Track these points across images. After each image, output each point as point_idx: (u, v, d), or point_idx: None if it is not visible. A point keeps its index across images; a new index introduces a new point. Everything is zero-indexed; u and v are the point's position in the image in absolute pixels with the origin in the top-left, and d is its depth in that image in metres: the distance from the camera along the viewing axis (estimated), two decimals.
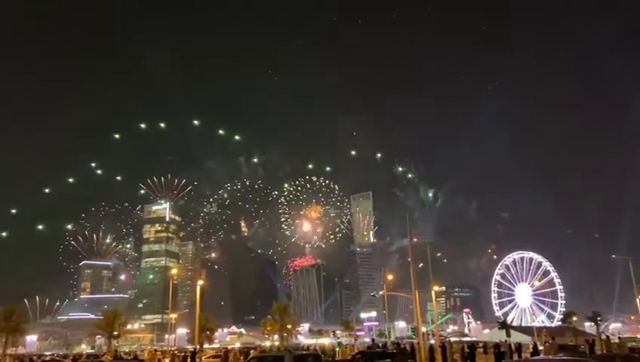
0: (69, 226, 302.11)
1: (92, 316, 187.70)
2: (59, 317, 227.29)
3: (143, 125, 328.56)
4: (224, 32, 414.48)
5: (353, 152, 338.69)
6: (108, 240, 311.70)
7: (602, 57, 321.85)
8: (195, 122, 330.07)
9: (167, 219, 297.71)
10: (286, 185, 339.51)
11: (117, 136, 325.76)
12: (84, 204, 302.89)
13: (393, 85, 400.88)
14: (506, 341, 57.11)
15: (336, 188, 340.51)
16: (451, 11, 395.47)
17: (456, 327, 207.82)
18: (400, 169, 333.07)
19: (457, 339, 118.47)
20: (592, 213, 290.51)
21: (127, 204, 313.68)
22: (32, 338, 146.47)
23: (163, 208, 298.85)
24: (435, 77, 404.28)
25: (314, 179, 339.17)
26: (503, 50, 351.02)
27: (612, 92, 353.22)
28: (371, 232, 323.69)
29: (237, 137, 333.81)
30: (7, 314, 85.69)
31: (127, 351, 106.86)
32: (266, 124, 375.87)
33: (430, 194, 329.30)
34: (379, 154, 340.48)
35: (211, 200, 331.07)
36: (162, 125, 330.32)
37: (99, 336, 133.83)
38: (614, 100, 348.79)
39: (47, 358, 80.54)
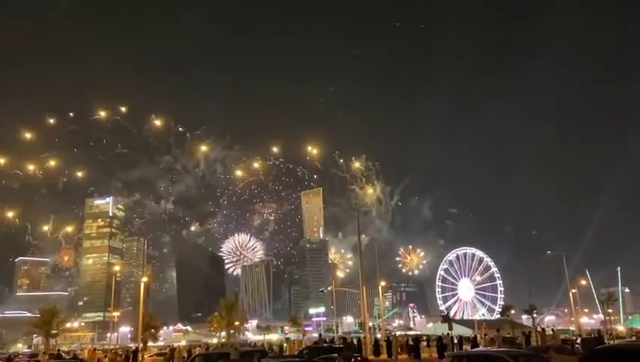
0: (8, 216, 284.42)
1: (29, 314, 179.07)
2: None
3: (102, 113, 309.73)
4: None
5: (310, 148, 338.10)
6: (47, 233, 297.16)
7: None
8: (153, 115, 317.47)
9: (111, 213, 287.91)
10: (240, 183, 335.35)
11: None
12: (25, 194, 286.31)
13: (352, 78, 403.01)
14: (448, 334, 58.82)
15: (288, 183, 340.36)
16: None
17: (402, 321, 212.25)
18: (357, 165, 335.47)
19: (402, 333, 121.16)
20: (533, 211, 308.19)
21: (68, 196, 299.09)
22: None
23: (106, 203, 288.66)
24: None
25: (268, 175, 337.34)
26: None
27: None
28: (321, 228, 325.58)
29: (197, 132, 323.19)
30: None
31: (66, 350, 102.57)
32: (224, 120, 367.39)
33: (381, 192, 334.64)
34: (337, 151, 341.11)
35: (163, 196, 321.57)
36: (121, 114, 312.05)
37: (36, 335, 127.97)
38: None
39: None
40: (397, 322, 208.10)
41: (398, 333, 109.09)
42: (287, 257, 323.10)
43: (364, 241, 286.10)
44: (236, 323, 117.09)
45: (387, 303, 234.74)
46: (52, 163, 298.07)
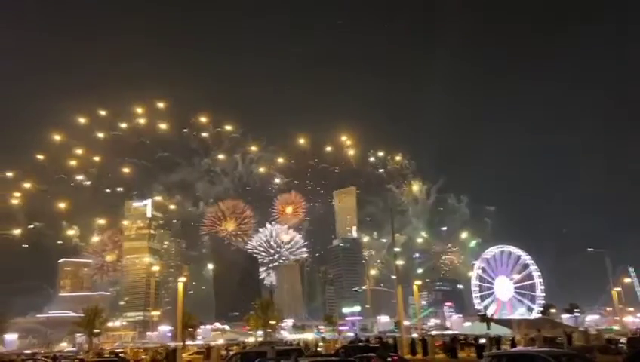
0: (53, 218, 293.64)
1: (73, 314, 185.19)
2: (38, 316, 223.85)
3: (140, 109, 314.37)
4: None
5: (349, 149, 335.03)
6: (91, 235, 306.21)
7: None
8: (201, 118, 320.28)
9: (149, 215, 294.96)
10: (277, 181, 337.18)
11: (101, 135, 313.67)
12: (69, 197, 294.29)
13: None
14: (486, 333, 58.01)
15: (321, 182, 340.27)
16: None
17: (437, 321, 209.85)
18: (394, 164, 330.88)
19: (439, 333, 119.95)
20: (574, 207, 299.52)
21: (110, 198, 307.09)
22: (11, 336, 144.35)
23: (144, 205, 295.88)
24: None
25: (302, 175, 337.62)
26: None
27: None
28: (354, 227, 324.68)
29: (235, 134, 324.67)
30: None
31: (108, 348, 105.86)
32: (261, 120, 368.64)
33: (422, 190, 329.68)
34: (371, 150, 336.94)
35: (201, 197, 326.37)
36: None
37: (79, 334, 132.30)
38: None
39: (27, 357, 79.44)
40: (432, 321, 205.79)
41: (434, 333, 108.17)
42: (320, 256, 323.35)
43: (401, 240, 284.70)
44: (272, 322, 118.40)
45: (423, 302, 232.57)
46: (96, 166, 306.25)
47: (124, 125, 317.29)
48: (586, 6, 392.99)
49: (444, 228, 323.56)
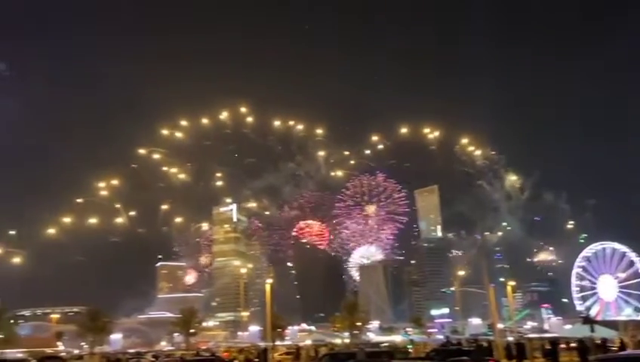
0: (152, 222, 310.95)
1: (170, 314, 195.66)
2: (139, 316, 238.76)
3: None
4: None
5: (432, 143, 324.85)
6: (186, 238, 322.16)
7: None
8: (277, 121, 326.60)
9: (235, 219, 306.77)
10: (356, 184, 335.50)
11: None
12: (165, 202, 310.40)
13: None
14: (590, 336, 53.75)
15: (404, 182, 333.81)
16: None
17: (534, 323, 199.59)
18: (484, 159, 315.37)
19: (537, 336, 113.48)
20: None
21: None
22: (116, 336, 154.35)
23: (230, 209, 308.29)
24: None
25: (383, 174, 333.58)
26: None
27: None
28: (439, 227, 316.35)
29: (319, 138, 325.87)
30: (93, 314, 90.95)
31: (204, 348, 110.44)
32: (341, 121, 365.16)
33: (516, 186, 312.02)
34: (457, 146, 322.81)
35: (287, 201, 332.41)
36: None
37: (177, 334, 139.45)
38: None
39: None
40: (529, 324, 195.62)
41: (531, 336, 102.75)
42: (404, 257, 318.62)
43: (493, 239, 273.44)
44: (358, 323, 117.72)
45: (518, 304, 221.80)
46: (188, 173, 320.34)
47: (211, 130, 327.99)
48: None
49: (541, 225, 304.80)
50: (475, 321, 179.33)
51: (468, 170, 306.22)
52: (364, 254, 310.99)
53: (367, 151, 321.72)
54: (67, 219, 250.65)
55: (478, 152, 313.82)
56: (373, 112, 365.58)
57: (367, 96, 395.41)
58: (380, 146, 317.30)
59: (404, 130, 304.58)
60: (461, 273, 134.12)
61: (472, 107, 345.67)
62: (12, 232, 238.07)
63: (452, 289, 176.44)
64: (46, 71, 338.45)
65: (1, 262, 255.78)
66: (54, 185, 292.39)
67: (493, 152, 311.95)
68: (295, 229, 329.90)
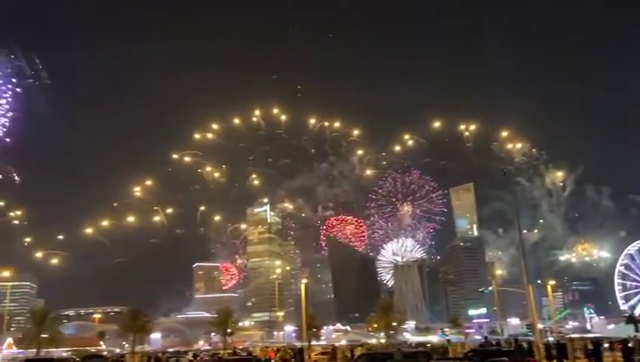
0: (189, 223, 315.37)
1: (207, 314, 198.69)
2: (177, 316, 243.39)
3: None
4: None
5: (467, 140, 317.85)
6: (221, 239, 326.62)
7: None
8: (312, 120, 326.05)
9: (269, 220, 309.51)
10: (389, 183, 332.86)
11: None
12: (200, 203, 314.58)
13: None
14: (634, 336, 51.87)
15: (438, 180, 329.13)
16: None
17: (576, 323, 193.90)
18: (523, 155, 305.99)
19: (579, 336, 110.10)
20: None
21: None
22: (156, 336, 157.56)
23: (264, 210, 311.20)
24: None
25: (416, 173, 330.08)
26: None
27: None
28: (475, 225, 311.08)
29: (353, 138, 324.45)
30: (134, 314, 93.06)
31: (240, 347, 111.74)
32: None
33: (557, 182, 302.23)
34: (495, 143, 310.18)
35: (320, 201, 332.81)
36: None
37: (214, 334, 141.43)
38: None
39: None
40: (570, 324, 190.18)
41: (573, 336, 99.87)
42: (440, 256, 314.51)
43: (533, 237, 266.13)
44: (393, 323, 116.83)
45: (558, 303, 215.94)
46: (223, 175, 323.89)
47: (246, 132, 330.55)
48: None
49: (582, 222, 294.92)
50: (514, 321, 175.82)
51: (506, 167, 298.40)
52: (398, 251, 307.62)
53: (402, 150, 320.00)
54: (107, 222, 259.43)
55: (518, 146, 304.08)
56: (407, 111, 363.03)
57: (401, 94, 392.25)
58: (413, 144, 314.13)
59: (438, 125, 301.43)
60: (499, 272, 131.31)
61: (511, 103, 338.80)
62: (60, 237, 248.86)
63: (490, 288, 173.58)
64: (86, 78, 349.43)
65: (46, 264, 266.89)
66: (95, 189, 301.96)
67: (533, 149, 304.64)
68: (327, 225, 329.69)
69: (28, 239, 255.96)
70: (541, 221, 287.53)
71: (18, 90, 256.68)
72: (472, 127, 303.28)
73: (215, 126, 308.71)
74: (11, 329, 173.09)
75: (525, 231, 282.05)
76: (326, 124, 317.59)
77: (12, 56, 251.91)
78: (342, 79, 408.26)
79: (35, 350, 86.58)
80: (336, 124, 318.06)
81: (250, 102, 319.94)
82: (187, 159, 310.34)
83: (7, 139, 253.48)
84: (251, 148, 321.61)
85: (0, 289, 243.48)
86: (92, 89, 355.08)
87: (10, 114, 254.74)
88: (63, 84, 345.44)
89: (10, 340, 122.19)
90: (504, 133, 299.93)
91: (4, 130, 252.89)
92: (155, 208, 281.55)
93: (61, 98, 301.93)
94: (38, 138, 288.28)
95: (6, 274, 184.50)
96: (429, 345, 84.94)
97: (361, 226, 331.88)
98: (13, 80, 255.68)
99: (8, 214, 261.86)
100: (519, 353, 45.78)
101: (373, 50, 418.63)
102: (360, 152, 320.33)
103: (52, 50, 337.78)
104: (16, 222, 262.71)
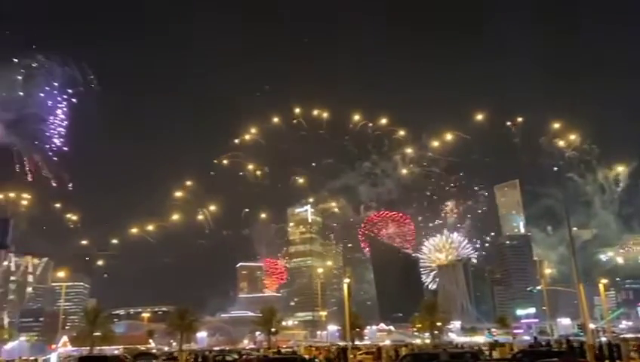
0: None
1: (251, 313, 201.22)
2: (222, 315, 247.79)
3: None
4: None
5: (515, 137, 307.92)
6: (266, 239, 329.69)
7: None
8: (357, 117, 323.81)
9: (310, 220, 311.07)
10: (432, 181, 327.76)
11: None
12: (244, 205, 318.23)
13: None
14: None
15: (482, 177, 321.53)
16: None
17: (630, 323, 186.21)
18: (573, 151, 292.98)
19: (633, 336, 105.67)
20: None
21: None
22: (202, 334, 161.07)
23: (304, 210, 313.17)
24: None
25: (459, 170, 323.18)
26: None
27: None
28: (521, 223, 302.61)
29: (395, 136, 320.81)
30: (181, 313, 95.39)
31: (284, 346, 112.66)
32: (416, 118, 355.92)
33: (610, 178, 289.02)
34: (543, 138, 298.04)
35: (362, 200, 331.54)
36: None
37: (258, 333, 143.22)
38: None
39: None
40: (624, 323, 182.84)
41: (627, 336, 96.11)
42: (485, 255, 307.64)
43: (585, 235, 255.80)
44: (438, 323, 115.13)
45: (611, 302, 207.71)
46: (265, 176, 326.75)
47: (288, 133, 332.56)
48: None
49: (637, 219, 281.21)
50: (565, 321, 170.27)
51: (556, 163, 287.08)
52: (442, 249, 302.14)
53: (445, 147, 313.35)
54: (155, 224, 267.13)
55: (571, 137, 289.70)
56: (451, 107, 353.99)
57: (445, 91, 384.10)
58: (457, 140, 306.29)
59: (481, 119, 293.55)
60: (548, 271, 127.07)
61: (561, 96, 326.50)
62: (114, 241, 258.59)
63: (538, 287, 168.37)
64: (131, 82, 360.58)
65: (97, 265, 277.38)
66: (142, 193, 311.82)
67: (585, 144, 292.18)
68: (368, 220, 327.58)
69: (84, 242, 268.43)
70: (594, 218, 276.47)
71: (73, 100, 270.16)
72: (520, 120, 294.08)
73: (256, 128, 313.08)
74: (66, 327, 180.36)
75: (576, 228, 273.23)
76: (370, 125, 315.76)
77: (66, 67, 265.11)
78: (383, 76, 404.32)
79: (88, 348, 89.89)
80: (384, 121, 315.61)
81: (293, 103, 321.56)
82: (230, 161, 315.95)
83: (65, 148, 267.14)
84: (294, 148, 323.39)
85: (55, 289, 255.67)
86: (137, 92, 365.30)
87: (65, 123, 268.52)
88: (109, 90, 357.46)
89: (65, 338, 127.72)
90: (556, 125, 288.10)
91: (62, 140, 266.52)
92: (201, 209, 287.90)
93: (108, 104, 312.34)
94: (89, 144, 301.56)
95: (61, 274, 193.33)
96: (462, 345, 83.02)
97: (405, 222, 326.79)
98: (69, 90, 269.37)
99: (64, 218, 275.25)
100: (571, 354, 44.15)
101: (418, 47, 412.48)
102: (404, 150, 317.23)
103: (98, 57, 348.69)
104: (70, 225, 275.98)
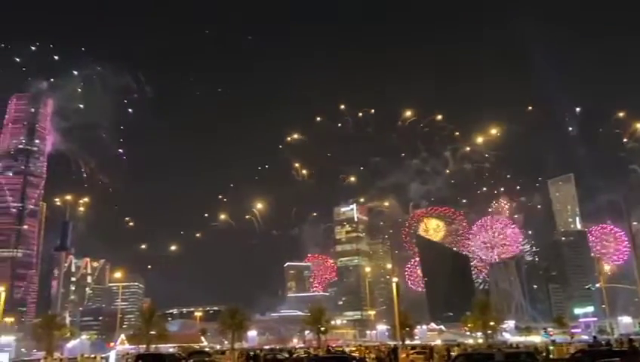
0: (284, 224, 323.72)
1: (299, 313, 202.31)
2: (272, 314, 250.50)
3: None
4: None
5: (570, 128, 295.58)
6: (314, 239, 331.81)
7: None
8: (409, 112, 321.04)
9: (356, 219, 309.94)
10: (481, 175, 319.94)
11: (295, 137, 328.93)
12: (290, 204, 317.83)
13: None
14: None
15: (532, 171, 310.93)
16: None
17: None
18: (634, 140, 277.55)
19: None
20: None
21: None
22: (252, 333, 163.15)
23: (350, 209, 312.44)
24: None
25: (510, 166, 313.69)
26: None
27: None
28: (577, 218, 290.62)
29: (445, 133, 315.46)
30: (232, 312, 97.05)
31: (334, 346, 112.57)
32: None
33: None
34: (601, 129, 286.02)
35: (412, 198, 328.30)
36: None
37: (307, 332, 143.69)
38: None
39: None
40: None
41: None
42: (539, 252, 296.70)
43: None
44: (491, 323, 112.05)
45: None
46: (311, 177, 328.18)
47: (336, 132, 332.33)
48: None
49: None
50: (626, 320, 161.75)
51: (617, 154, 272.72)
52: (495, 246, 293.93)
53: (496, 141, 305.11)
54: (207, 226, 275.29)
55: (637, 126, 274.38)
56: (502, 100, 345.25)
57: (496, 84, 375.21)
58: (507, 134, 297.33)
59: (531, 111, 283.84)
60: (607, 268, 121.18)
61: (621, 84, 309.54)
62: (173, 248, 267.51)
63: (597, 285, 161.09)
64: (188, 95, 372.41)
65: (150, 266, 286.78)
66: (193, 197, 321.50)
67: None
68: (414, 216, 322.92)
69: (143, 246, 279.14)
70: None
71: (130, 110, 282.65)
72: (578, 109, 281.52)
73: (303, 129, 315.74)
74: (123, 326, 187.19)
75: (635, 223, 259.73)
76: (421, 124, 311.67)
77: (124, 77, 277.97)
78: (431, 73, 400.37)
79: (144, 346, 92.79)
80: (439, 117, 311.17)
81: (339, 102, 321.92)
82: (279, 162, 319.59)
83: (124, 158, 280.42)
84: (342, 148, 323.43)
85: (112, 289, 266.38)
86: (188, 95, 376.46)
87: (121, 128, 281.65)
88: (164, 98, 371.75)
89: (123, 336, 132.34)
90: (620, 114, 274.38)
91: (121, 150, 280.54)
92: (251, 210, 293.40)
93: (164, 111, 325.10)
94: (145, 150, 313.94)
95: (118, 275, 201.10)
96: (517, 345, 79.98)
97: (456, 218, 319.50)
98: (125, 100, 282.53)
99: (119, 221, 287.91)
100: (634, 353, 41.73)
101: (463, 42, 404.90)
102: (455, 147, 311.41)
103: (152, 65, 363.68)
104: (125, 226, 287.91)
